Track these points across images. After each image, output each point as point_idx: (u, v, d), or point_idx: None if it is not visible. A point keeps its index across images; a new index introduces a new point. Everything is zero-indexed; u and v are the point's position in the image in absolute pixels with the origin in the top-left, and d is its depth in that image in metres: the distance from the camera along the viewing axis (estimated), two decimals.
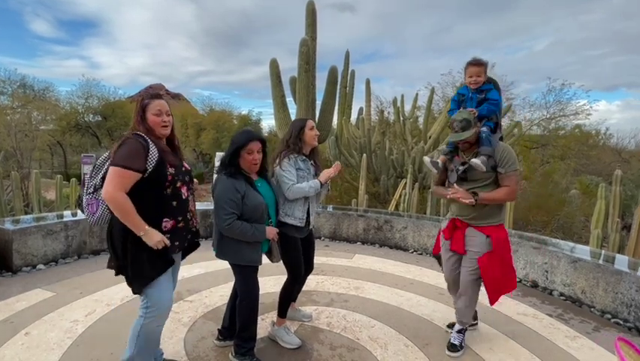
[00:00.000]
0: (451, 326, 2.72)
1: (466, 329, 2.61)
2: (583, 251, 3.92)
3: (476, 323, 2.86)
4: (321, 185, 2.49)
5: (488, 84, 2.36)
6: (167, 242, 1.82)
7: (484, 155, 2.19)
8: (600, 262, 3.53)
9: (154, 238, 1.77)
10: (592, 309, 3.40)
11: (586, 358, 2.56)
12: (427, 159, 2.50)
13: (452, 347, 2.51)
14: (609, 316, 3.26)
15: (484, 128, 2.28)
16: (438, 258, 2.74)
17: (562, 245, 4.16)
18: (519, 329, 2.93)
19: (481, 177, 2.24)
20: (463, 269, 2.41)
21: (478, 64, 2.34)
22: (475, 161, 2.17)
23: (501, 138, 2.35)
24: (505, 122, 15.60)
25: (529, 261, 4.07)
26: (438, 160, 2.46)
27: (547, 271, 3.89)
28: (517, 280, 4.09)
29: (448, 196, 2.29)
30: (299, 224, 2.48)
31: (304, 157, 2.53)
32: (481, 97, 2.33)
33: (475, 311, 2.76)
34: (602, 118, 24.34)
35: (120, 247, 1.80)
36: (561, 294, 3.72)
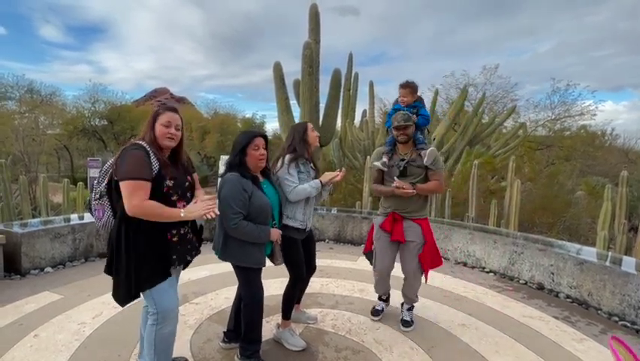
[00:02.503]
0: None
1: (413, 306, 3.02)
2: (589, 253, 3.90)
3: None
4: (322, 185, 2.51)
5: (418, 102, 2.85)
6: (215, 212, 1.82)
7: (425, 151, 2.69)
8: (607, 263, 3.50)
9: (194, 212, 1.79)
10: (599, 311, 3.38)
11: None
12: (377, 163, 2.83)
13: (405, 324, 2.89)
14: (616, 318, 3.23)
15: (420, 136, 2.78)
16: (370, 255, 3.06)
17: (568, 247, 4.14)
18: (525, 332, 2.92)
19: (416, 173, 2.73)
20: (408, 258, 2.82)
21: (405, 86, 2.83)
22: (426, 152, 2.67)
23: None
24: (509, 123, 15.59)
25: (535, 263, 4.05)
26: (385, 160, 2.82)
27: (553, 273, 3.87)
28: (523, 282, 4.11)
29: (395, 185, 2.66)
30: (300, 226, 2.49)
31: (304, 160, 2.55)
32: (413, 112, 2.78)
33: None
34: (609, 119, 24.06)
35: (118, 251, 1.75)
36: (567, 296, 3.70)
